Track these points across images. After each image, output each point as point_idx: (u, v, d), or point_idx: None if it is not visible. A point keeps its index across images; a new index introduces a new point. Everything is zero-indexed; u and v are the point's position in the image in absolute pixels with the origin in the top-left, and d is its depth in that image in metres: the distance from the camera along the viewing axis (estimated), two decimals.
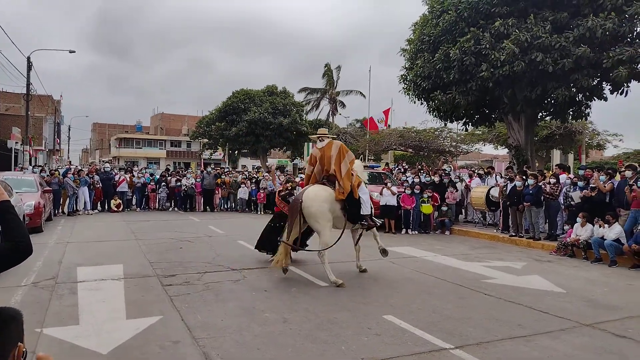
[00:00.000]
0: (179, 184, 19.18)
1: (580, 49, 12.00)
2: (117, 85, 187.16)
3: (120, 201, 18.13)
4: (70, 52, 29.70)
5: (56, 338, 4.68)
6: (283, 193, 8.91)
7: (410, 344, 4.71)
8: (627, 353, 4.62)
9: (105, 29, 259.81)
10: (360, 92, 45.76)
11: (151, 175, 20.18)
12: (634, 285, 7.61)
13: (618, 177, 10.69)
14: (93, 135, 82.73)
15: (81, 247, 9.99)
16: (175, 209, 19.23)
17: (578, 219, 10.12)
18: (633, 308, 6.21)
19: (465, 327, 5.25)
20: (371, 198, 8.77)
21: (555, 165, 17.43)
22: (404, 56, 17.36)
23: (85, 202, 16.96)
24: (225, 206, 19.84)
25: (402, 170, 18.79)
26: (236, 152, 45.09)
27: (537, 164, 19.20)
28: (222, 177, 20.11)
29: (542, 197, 11.46)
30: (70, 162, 38.48)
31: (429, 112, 17.47)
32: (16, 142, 29.11)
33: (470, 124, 18.05)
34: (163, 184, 19.34)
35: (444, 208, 13.98)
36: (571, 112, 15.31)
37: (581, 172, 12.21)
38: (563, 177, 12.12)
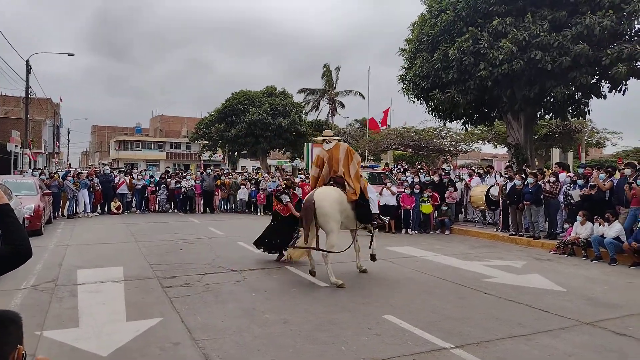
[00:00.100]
0: (178, 185, 19.20)
1: (579, 47, 12.02)
2: (116, 87, 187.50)
3: (120, 203, 18.13)
4: (69, 55, 29.64)
5: (56, 341, 4.68)
6: (276, 192, 9.08)
7: (410, 343, 4.71)
8: (627, 351, 4.63)
9: (104, 29, 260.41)
10: (360, 93, 45.82)
11: (151, 177, 20.20)
12: (634, 283, 7.61)
13: (617, 175, 10.69)
14: (92, 137, 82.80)
15: (81, 249, 9.99)
16: (175, 210, 19.24)
17: (578, 218, 10.12)
18: (633, 306, 6.21)
19: (466, 326, 5.25)
20: None
21: (555, 164, 17.44)
22: (402, 56, 17.38)
23: (85, 205, 16.97)
24: (225, 207, 19.85)
25: (402, 170, 18.78)
26: (236, 153, 45.11)
27: (536, 163, 19.25)
28: (221, 178, 20.12)
29: (541, 196, 11.46)
30: (69, 164, 38.56)
31: (428, 111, 17.50)
32: (15, 146, 29.14)
33: (469, 123, 18.05)
34: (163, 185, 19.37)
35: (444, 207, 13.98)
36: (570, 110, 15.32)
37: (581, 170, 12.22)
38: (563, 176, 12.12)
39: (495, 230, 13.14)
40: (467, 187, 15.09)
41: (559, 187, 11.57)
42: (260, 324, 5.27)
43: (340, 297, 6.48)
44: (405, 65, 17.22)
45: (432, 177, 14.90)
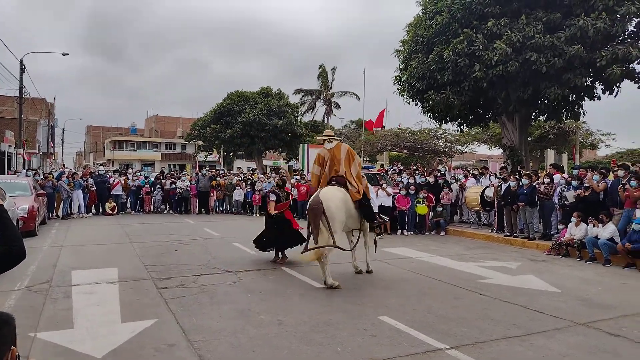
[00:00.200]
0: (173, 186, 19.13)
1: (573, 48, 12.09)
2: (111, 87, 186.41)
3: (115, 204, 18.04)
4: (64, 54, 29.51)
5: (50, 342, 4.65)
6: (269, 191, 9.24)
7: (405, 344, 4.72)
8: (620, 352, 4.65)
9: (99, 30, 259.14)
10: (355, 94, 45.92)
11: (146, 177, 20.14)
12: (628, 284, 7.66)
13: (611, 177, 10.76)
14: (87, 138, 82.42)
15: (75, 250, 9.94)
16: (170, 211, 19.18)
17: (572, 219, 10.17)
18: (627, 307, 6.25)
19: (461, 327, 5.27)
20: None
21: (549, 165, 17.50)
22: (398, 57, 17.42)
23: (79, 206, 16.88)
24: (221, 208, 19.80)
25: (397, 171, 18.82)
26: (231, 154, 45.05)
27: (531, 164, 19.30)
28: (217, 179, 20.06)
29: (536, 197, 11.51)
30: (64, 165, 38.32)
31: (424, 112, 17.55)
32: (9, 146, 28.99)
33: (464, 124, 18.11)
34: (158, 186, 19.27)
35: (439, 208, 14.01)
36: (565, 112, 15.41)
37: (575, 171, 12.29)
38: (557, 177, 12.19)
39: (490, 231, 13.18)
40: (462, 188, 15.13)
41: (554, 188, 11.62)
42: (255, 325, 5.26)
43: (336, 298, 6.49)
44: (401, 67, 17.26)
45: (427, 178, 14.93)
